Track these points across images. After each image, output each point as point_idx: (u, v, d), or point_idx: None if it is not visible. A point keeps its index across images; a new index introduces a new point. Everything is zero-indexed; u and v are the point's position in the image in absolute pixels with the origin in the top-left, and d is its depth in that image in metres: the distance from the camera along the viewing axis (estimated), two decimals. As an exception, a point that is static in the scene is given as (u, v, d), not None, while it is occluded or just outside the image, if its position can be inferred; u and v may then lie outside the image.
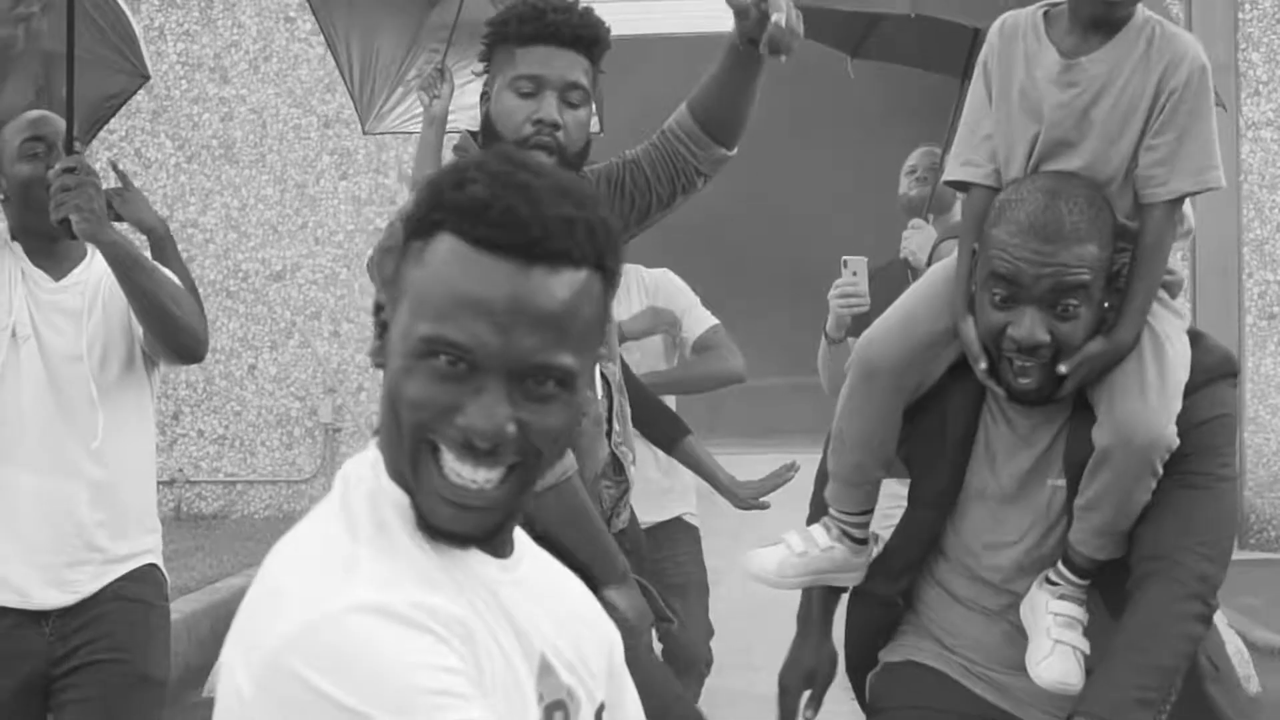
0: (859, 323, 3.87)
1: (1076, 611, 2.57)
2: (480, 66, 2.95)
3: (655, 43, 9.82)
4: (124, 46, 4.28)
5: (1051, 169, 2.55)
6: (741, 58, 2.89)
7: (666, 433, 4.37)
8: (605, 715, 1.60)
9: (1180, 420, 2.51)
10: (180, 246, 3.93)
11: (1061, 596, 2.57)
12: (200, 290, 3.66)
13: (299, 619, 1.37)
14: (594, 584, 2.79)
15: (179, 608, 6.18)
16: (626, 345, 4.50)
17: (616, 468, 3.02)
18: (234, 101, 10.18)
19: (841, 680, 2.91)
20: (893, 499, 3.11)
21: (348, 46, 5.65)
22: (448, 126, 5.10)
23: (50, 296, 3.43)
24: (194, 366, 9.91)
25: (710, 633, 4.80)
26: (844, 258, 4.26)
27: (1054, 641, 2.54)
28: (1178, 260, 2.66)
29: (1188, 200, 2.59)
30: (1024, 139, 2.58)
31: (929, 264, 4.14)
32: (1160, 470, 2.51)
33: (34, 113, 3.51)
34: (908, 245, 4.64)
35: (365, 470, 1.50)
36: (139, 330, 3.44)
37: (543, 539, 1.71)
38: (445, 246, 1.43)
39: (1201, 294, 9.41)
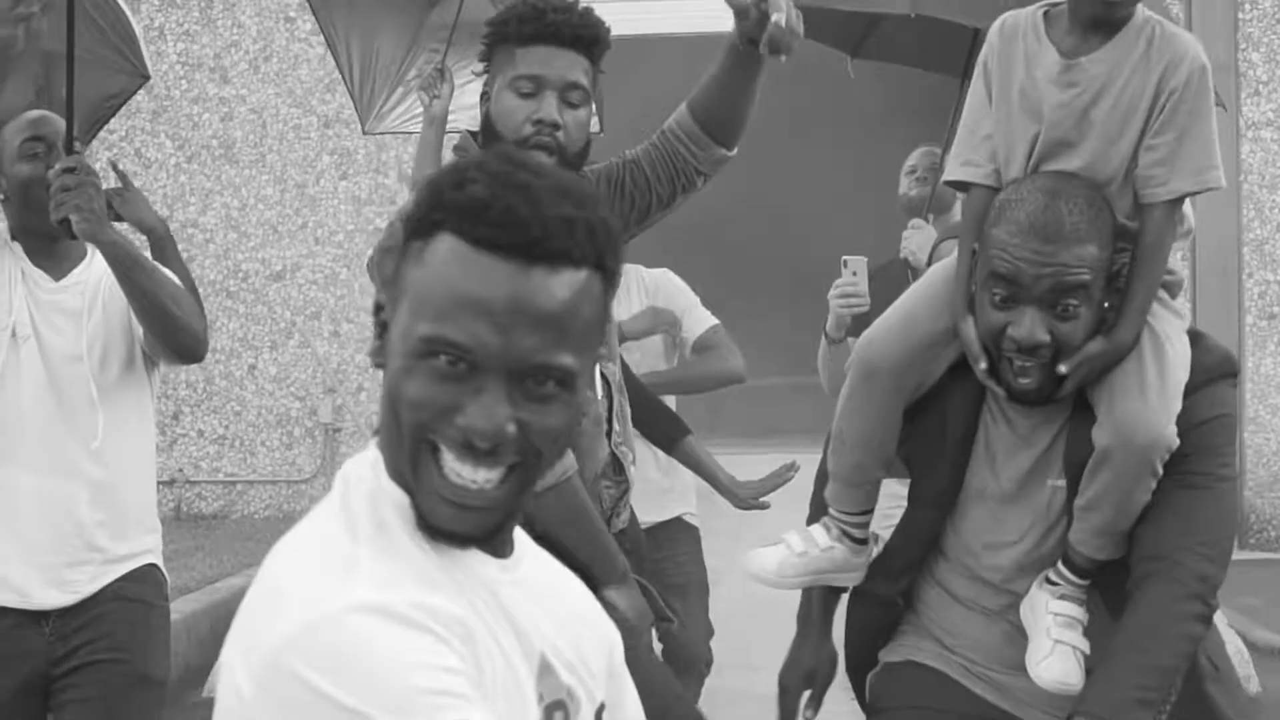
0: (859, 323, 3.87)
1: (1076, 611, 2.57)
2: (480, 66, 2.95)
3: (655, 43, 9.82)
4: (124, 46, 4.28)
5: (1051, 169, 2.55)
6: (741, 58, 2.89)
7: (666, 433, 4.37)
8: (605, 715, 1.60)
9: (1180, 420, 2.51)
10: (180, 246, 3.93)
11: (1061, 596, 2.57)
12: (200, 290, 3.66)
13: (299, 619, 1.37)
14: (594, 584, 2.79)
15: (179, 608, 6.18)
16: (626, 345, 4.50)
17: (616, 468, 3.02)
18: (234, 101, 10.18)
19: (841, 680, 2.91)
20: (893, 499, 3.11)
21: (348, 46, 5.65)
22: (448, 126, 5.10)
23: (50, 296, 3.43)
24: (194, 366, 9.91)
25: (710, 632, 4.80)
26: (844, 258, 4.26)
27: (1054, 641, 2.54)
28: (1178, 260, 2.66)
29: (1188, 200, 2.59)
30: (1024, 139, 2.58)
31: (929, 264, 4.13)
32: (1160, 470, 2.51)
33: (34, 113, 3.51)
34: (907, 245, 4.64)
35: (365, 470, 1.50)
36: (139, 330, 3.44)
37: (543, 539, 1.71)
38: (445, 246, 1.43)
39: (1201, 294, 9.41)
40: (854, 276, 4.22)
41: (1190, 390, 2.54)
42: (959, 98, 4.33)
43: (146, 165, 10.14)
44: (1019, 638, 2.63)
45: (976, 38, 4.56)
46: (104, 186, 3.37)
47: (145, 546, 3.52)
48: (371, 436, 1.53)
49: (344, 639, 1.36)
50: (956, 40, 4.74)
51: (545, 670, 1.51)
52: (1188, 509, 2.51)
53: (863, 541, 2.83)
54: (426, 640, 1.38)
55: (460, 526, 1.45)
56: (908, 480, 2.79)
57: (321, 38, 6.31)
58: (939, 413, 2.67)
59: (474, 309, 1.41)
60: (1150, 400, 2.49)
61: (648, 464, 4.47)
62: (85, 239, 3.31)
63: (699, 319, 4.81)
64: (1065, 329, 2.47)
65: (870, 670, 2.85)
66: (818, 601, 2.92)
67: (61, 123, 3.43)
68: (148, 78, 4.41)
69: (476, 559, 1.49)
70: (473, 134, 2.99)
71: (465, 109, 5.06)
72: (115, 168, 3.82)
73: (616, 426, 3.01)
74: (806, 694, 2.92)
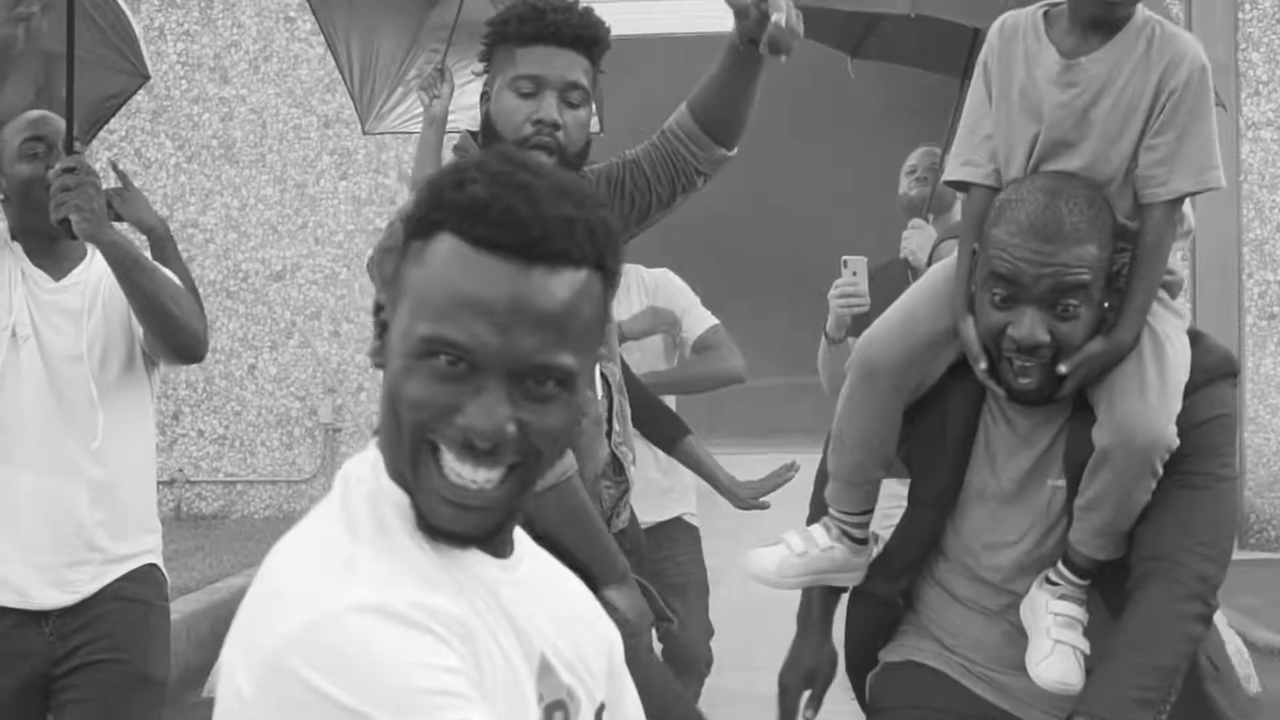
0: (859, 322, 3.87)
1: (1076, 611, 2.57)
2: (480, 66, 2.95)
3: (655, 43, 9.81)
4: (124, 46, 4.28)
5: (1051, 169, 2.55)
6: (741, 58, 2.89)
7: (666, 433, 4.37)
8: (605, 715, 1.60)
9: (1180, 420, 2.51)
10: (180, 246, 3.93)
11: (1061, 596, 2.57)
12: (200, 290, 3.66)
13: (299, 619, 1.37)
14: (594, 584, 2.80)
15: (179, 608, 6.18)
16: (626, 345, 4.50)
17: (616, 468, 3.02)
18: (234, 101, 10.18)
19: (842, 680, 2.91)
20: (893, 499, 3.11)
21: (348, 46, 5.65)
22: (447, 127, 5.10)
23: (50, 296, 3.43)
24: (194, 366, 9.91)
25: (710, 632, 4.80)
26: (844, 257, 4.26)
27: (1054, 641, 2.54)
28: (1177, 260, 2.66)
29: (1187, 200, 2.59)
30: (1024, 139, 2.58)
31: (929, 264, 4.13)
32: (1160, 470, 2.51)
33: (34, 113, 3.51)
34: (907, 245, 4.64)
35: (365, 470, 1.50)
36: (139, 330, 3.44)
37: (543, 539, 1.71)
38: (445, 246, 1.43)
39: (1201, 294, 9.41)
40: (854, 276, 4.22)
41: (1190, 390, 2.54)
42: (959, 97, 4.33)
43: (146, 165, 10.14)
44: (1019, 638, 2.63)
45: (976, 37, 4.56)
46: (104, 186, 3.38)
47: (145, 546, 3.52)
48: (371, 436, 1.53)
49: (344, 639, 1.36)
50: (956, 40, 4.74)
51: (545, 670, 1.51)
52: (1188, 509, 2.51)
53: (862, 541, 2.83)
54: (426, 640, 1.38)
55: (460, 526, 1.45)
56: (908, 480, 2.79)
57: (321, 38, 6.31)
58: (939, 413, 2.67)
59: (474, 309, 1.41)
60: (1150, 400, 2.49)
61: (648, 464, 4.47)
62: (85, 239, 3.31)
63: (699, 319, 4.81)
64: (1065, 329, 2.47)
65: (870, 670, 2.85)
66: (817, 601, 2.92)
67: (61, 123, 3.43)
68: (148, 78, 4.41)
69: (476, 559, 1.48)
70: (473, 134, 2.99)
71: (465, 109, 5.06)
72: (115, 168, 3.82)
73: (616, 426, 3.02)
74: (806, 694, 2.92)
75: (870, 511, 2.84)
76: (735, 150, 3.08)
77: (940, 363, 2.67)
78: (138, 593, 3.47)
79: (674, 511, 4.77)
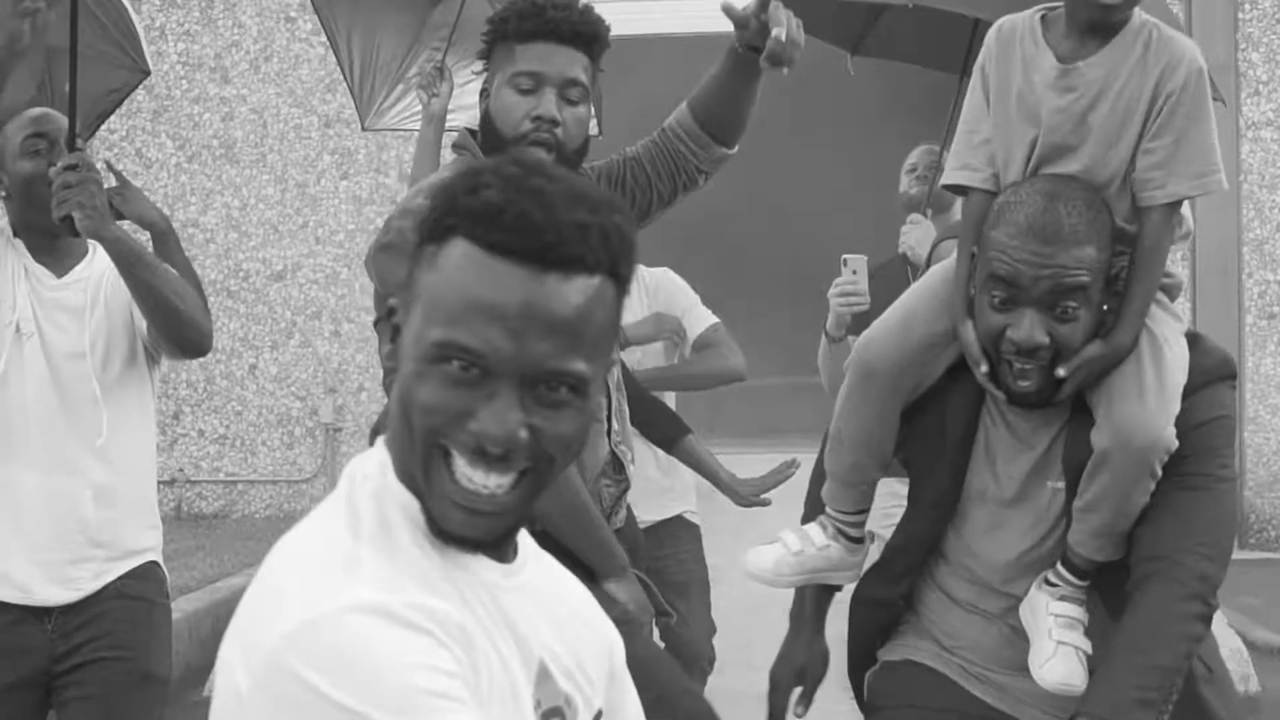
0: (859, 321, 3.87)
1: (1077, 612, 2.57)
2: (480, 66, 2.95)
3: (655, 43, 9.81)
4: (125, 42, 4.28)
5: (1050, 173, 2.55)
6: (742, 63, 2.90)
7: (667, 432, 4.37)
8: (603, 721, 1.60)
9: (1179, 422, 2.51)
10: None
11: (1061, 598, 2.57)
12: (201, 289, 3.66)
13: (298, 618, 1.38)
14: (594, 578, 2.80)
15: (180, 607, 6.19)
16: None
17: (616, 466, 3.02)
18: (235, 101, 10.18)
19: (841, 679, 2.91)
20: (892, 497, 3.11)
21: (349, 42, 5.65)
22: (447, 125, 5.10)
23: (53, 294, 3.43)
24: (194, 366, 9.93)
25: (713, 630, 4.81)
26: (844, 256, 4.26)
27: (1056, 643, 2.54)
28: (1176, 263, 2.67)
29: (1186, 203, 2.60)
30: (1022, 143, 2.58)
31: (929, 263, 4.14)
32: (1159, 472, 2.51)
33: (36, 110, 3.52)
34: (906, 240, 4.64)
35: (372, 469, 1.50)
36: (141, 326, 3.45)
37: (543, 536, 1.72)
38: (458, 251, 1.43)
39: (1201, 294, 9.41)
40: (854, 275, 4.22)
41: (1189, 392, 2.54)
42: (958, 95, 4.33)
43: (147, 165, 10.15)
44: (1017, 639, 2.63)
45: (976, 30, 4.56)
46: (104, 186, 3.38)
47: (147, 544, 3.52)
48: (371, 436, 1.53)
49: (343, 639, 1.36)
50: (956, 34, 4.74)
51: (543, 677, 1.51)
52: (1187, 510, 2.51)
53: (859, 540, 2.83)
54: (426, 642, 1.38)
55: (471, 531, 1.45)
56: (907, 479, 2.80)
57: (322, 37, 6.32)
58: (938, 414, 2.67)
59: (487, 314, 1.41)
60: (1149, 402, 2.50)
61: (648, 463, 4.48)
62: (88, 236, 3.32)
63: (699, 317, 4.82)
64: (1064, 331, 2.47)
65: (869, 670, 2.85)
66: (811, 599, 2.93)
67: (63, 120, 3.44)
68: (148, 73, 4.41)
69: (479, 563, 1.49)
70: (472, 131, 3.00)
71: (465, 109, 5.07)
72: (110, 167, 3.82)
73: (615, 425, 3.02)
74: (797, 691, 2.92)
75: (866, 511, 2.84)
76: (736, 149, 3.09)
77: (938, 364, 2.68)
78: (140, 590, 3.48)
79: (674, 510, 4.78)
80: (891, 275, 4.46)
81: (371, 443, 1.63)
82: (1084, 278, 2.46)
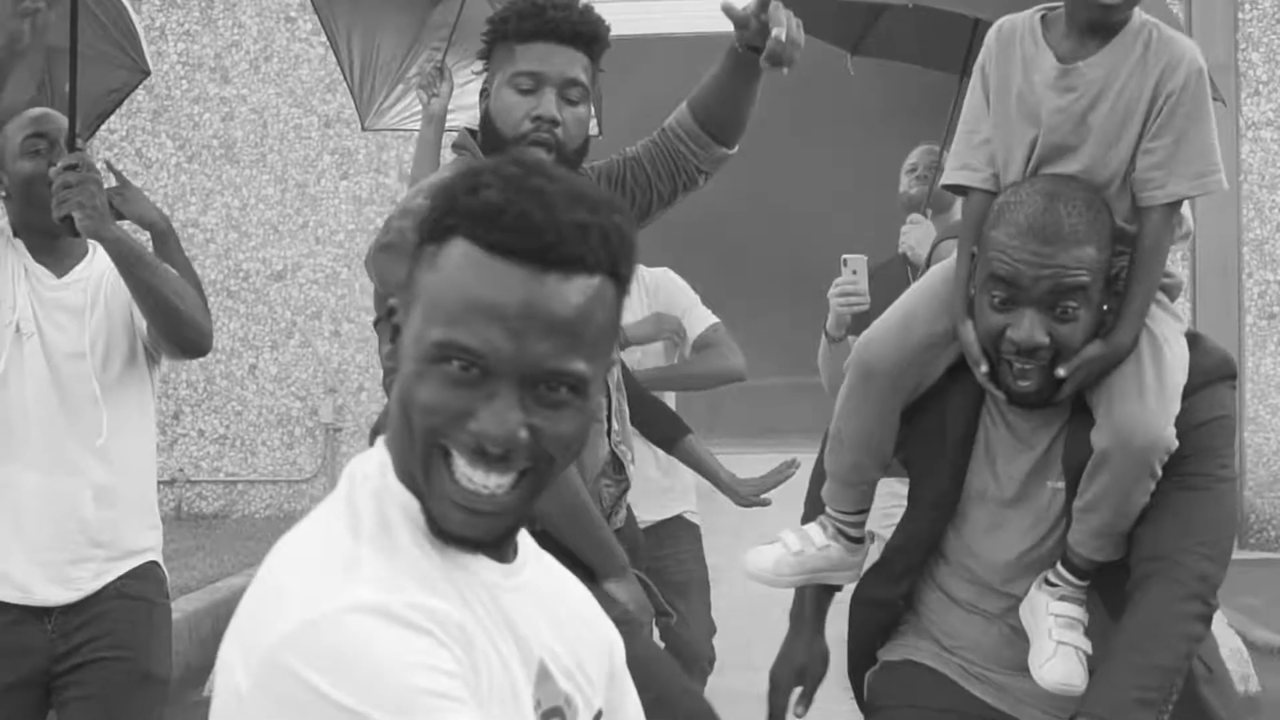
0: (859, 321, 3.87)
1: (1077, 612, 2.57)
2: (480, 66, 2.95)
3: (655, 43, 9.80)
4: (125, 42, 4.29)
5: (1050, 173, 2.55)
6: (742, 63, 2.90)
7: (667, 432, 4.37)
8: (603, 720, 1.60)
9: (1179, 422, 2.51)
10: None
11: (1061, 598, 2.57)
12: (201, 289, 3.66)
13: (298, 618, 1.38)
14: (594, 578, 2.80)
15: (180, 607, 6.19)
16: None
17: (616, 466, 3.02)
18: (235, 101, 10.18)
19: (840, 679, 2.91)
20: (892, 497, 3.11)
21: (349, 42, 5.65)
22: (447, 125, 5.10)
23: (53, 294, 3.43)
24: (194, 366, 9.92)
25: (713, 630, 4.81)
26: (844, 256, 4.26)
27: (1056, 643, 2.54)
28: (1176, 263, 2.67)
29: (1186, 203, 2.60)
30: (1022, 143, 2.58)
31: (929, 263, 4.14)
32: (1159, 472, 2.51)
33: (36, 110, 3.52)
34: (906, 240, 4.64)
35: (372, 469, 1.50)
36: (141, 326, 3.45)
37: (542, 535, 1.72)
38: (459, 251, 1.43)
39: (1201, 294, 9.41)
40: (854, 275, 4.22)
41: (1189, 392, 2.54)
42: (958, 94, 4.33)
43: (147, 165, 10.15)
44: (1017, 639, 2.63)
45: (976, 30, 4.56)
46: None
47: (147, 544, 3.52)
48: (371, 435, 1.53)
49: (343, 639, 1.36)
50: (956, 34, 4.74)
51: (543, 677, 1.51)
52: (1187, 510, 2.51)
53: (859, 540, 2.83)
54: (425, 642, 1.38)
55: (471, 531, 1.45)
56: (908, 479, 2.80)
57: (322, 37, 6.32)
58: (938, 414, 2.67)
59: (487, 314, 1.41)
60: (1148, 402, 2.50)
61: (647, 463, 4.48)
62: (88, 236, 3.32)
63: (699, 317, 4.82)
64: (1064, 331, 2.47)
65: (869, 670, 2.85)
66: (810, 599, 2.93)
67: (63, 120, 3.44)
68: (148, 73, 4.41)
69: (479, 563, 1.49)
70: (472, 131, 3.00)
71: (465, 109, 5.07)
72: (110, 167, 3.82)
73: (615, 425, 3.02)
74: (797, 691, 2.92)
75: (866, 511, 2.84)
76: (736, 149, 3.09)
77: (938, 364, 2.68)
78: (140, 590, 3.48)
79: (674, 510, 4.78)
80: (891, 275, 4.46)
81: (371, 443, 1.63)
82: (1084, 278, 2.46)
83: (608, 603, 2.36)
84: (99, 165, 3.38)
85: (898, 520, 2.79)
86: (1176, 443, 2.50)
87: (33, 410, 3.37)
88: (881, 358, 2.67)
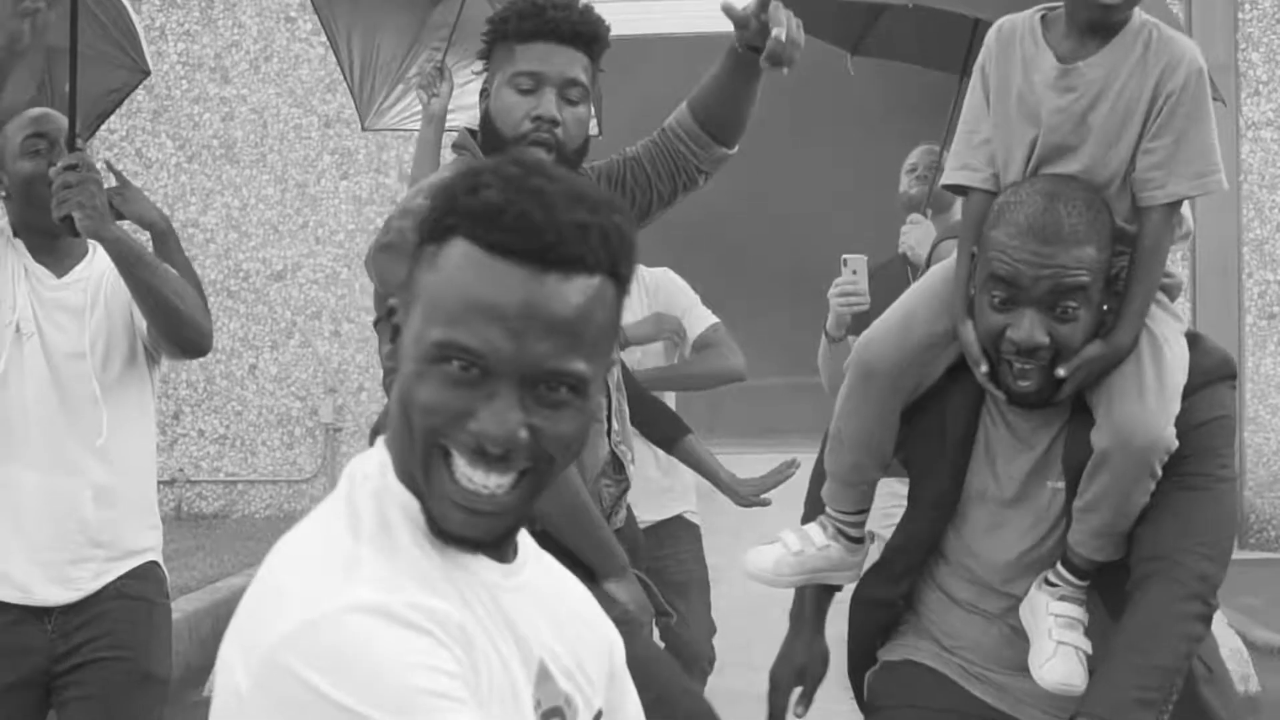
0: (859, 321, 3.87)
1: (1077, 612, 2.57)
2: (480, 66, 2.95)
3: (655, 43, 9.80)
4: (125, 42, 4.29)
5: (1050, 173, 2.55)
6: (742, 62, 2.90)
7: (667, 432, 4.37)
8: (603, 720, 1.60)
9: (1179, 422, 2.51)
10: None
11: (1061, 598, 2.57)
12: (201, 289, 3.66)
13: (298, 618, 1.38)
14: (594, 578, 2.81)
15: (180, 607, 6.19)
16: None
17: (616, 466, 3.03)
18: (235, 101, 10.18)
19: (840, 679, 2.91)
20: (893, 497, 3.11)
21: (349, 42, 5.65)
22: (447, 125, 5.10)
23: (53, 294, 3.43)
24: (194, 366, 9.92)
25: (713, 630, 4.81)
26: (844, 256, 4.26)
27: (1056, 643, 2.54)
28: (1176, 263, 2.67)
29: (1186, 203, 2.60)
30: (1022, 143, 2.58)
31: (929, 263, 4.14)
32: (1159, 472, 2.51)
33: (36, 110, 3.52)
34: (906, 240, 4.64)
35: (372, 469, 1.50)
36: (141, 326, 3.45)
37: (543, 535, 1.72)
38: (458, 251, 1.43)
39: (1201, 294, 9.41)
40: (854, 275, 4.22)
41: (1189, 392, 2.54)
42: (958, 94, 4.33)
43: (147, 165, 10.15)
44: (1017, 639, 2.63)
45: (976, 30, 4.56)
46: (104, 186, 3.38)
47: (147, 544, 3.52)
48: (370, 436, 1.53)
49: (343, 639, 1.36)
50: (956, 34, 4.74)
51: (544, 677, 1.51)
52: (1187, 510, 2.51)
53: (859, 540, 2.83)
54: (425, 642, 1.38)
55: (471, 531, 1.45)
56: (908, 479, 2.79)
57: (322, 37, 6.32)
58: (938, 414, 2.67)
59: (487, 314, 1.41)
60: (1148, 402, 2.50)
61: (647, 463, 4.48)
62: (88, 236, 3.32)
63: (699, 317, 4.82)
64: (1064, 331, 2.47)
65: (869, 670, 2.85)
66: (810, 599, 2.93)
67: (63, 120, 3.44)
68: (148, 73, 4.41)
69: (479, 563, 1.49)
70: (472, 131, 3.00)
71: (465, 109, 5.07)
72: (110, 167, 3.82)
73: (615, 425, 3.02)
74: (797, 691, 2.92)
75: (866, 511, 2.84)
76: (736, 149, 3.09)
77: (938, 364, 2.68)
78: (140, 590, 3.48)
79: (674, 510, 4.78)
80: (891, 275, 4.47)
81: (371, 443, 1.63)
82: (1084, 278, 2.46)
83: (608, 603, 2.37)
84: (99, 165, 3.39)
85: (898, 520, 2.79)
86: (1176, 443, 2.50)
87: (33, 410, 3.37)
88: (881, 358, 2.67)
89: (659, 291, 4.81)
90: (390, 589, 1.40)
